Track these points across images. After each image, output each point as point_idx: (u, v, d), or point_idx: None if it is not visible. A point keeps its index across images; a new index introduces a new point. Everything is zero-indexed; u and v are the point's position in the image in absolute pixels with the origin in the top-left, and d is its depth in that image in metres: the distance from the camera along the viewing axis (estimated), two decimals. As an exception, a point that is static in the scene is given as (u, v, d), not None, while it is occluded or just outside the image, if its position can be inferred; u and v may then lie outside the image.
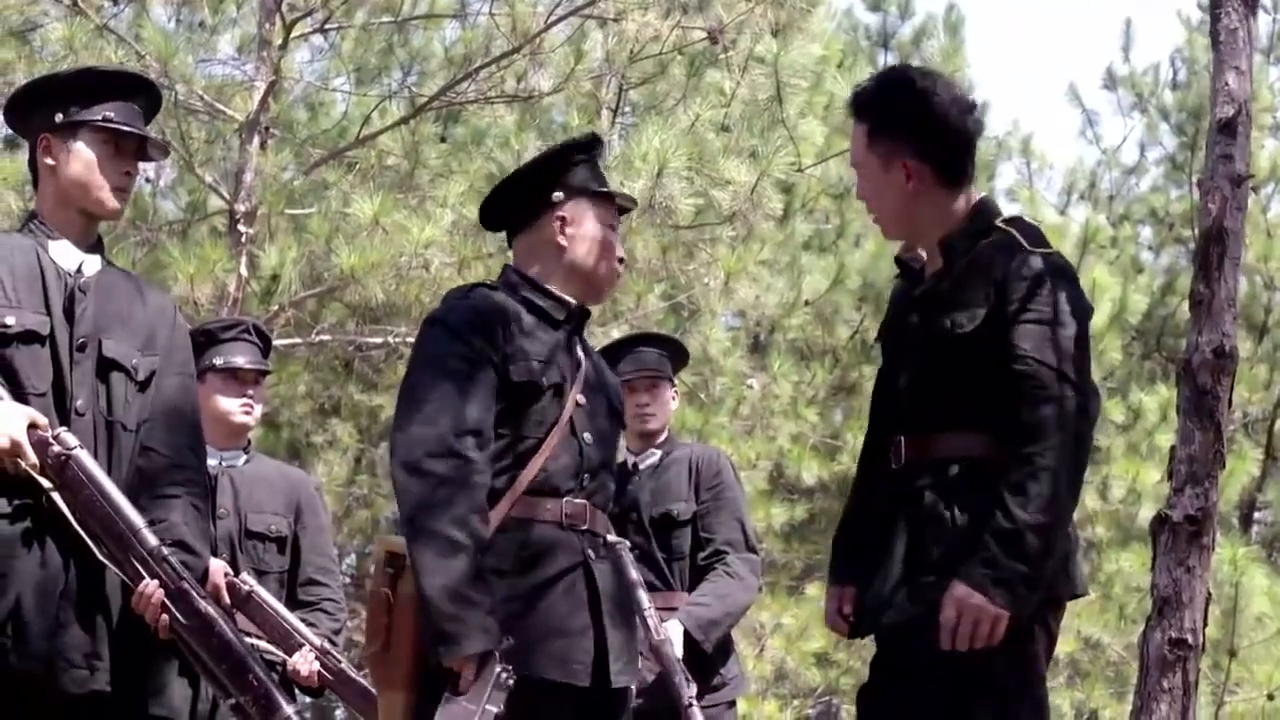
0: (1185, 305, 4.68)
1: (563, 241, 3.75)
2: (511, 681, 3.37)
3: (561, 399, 3.64)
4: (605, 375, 3.87)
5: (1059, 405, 3.42)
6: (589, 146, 3.83)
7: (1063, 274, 3.57)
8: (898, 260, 3.84)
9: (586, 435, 3.66)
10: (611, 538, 3.78)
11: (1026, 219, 3.70)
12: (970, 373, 3.53)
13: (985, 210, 3.67)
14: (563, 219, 3.75)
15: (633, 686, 3.72)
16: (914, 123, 3.62)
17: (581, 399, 3.68)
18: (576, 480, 3.63)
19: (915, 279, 3.76)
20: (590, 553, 3.61)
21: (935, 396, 3.58)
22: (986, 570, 3.38)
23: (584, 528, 3.62)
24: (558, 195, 3.75)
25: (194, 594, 3.67)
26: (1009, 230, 3.59)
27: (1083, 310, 3.56)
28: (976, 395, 3.52)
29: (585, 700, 3.56)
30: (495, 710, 3.35)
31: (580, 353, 3.75)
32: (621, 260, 3.82)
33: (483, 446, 3.50)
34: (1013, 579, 3.37)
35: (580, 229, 3.76)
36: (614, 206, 3.85)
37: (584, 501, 3.63)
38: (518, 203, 3.82)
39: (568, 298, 3.75)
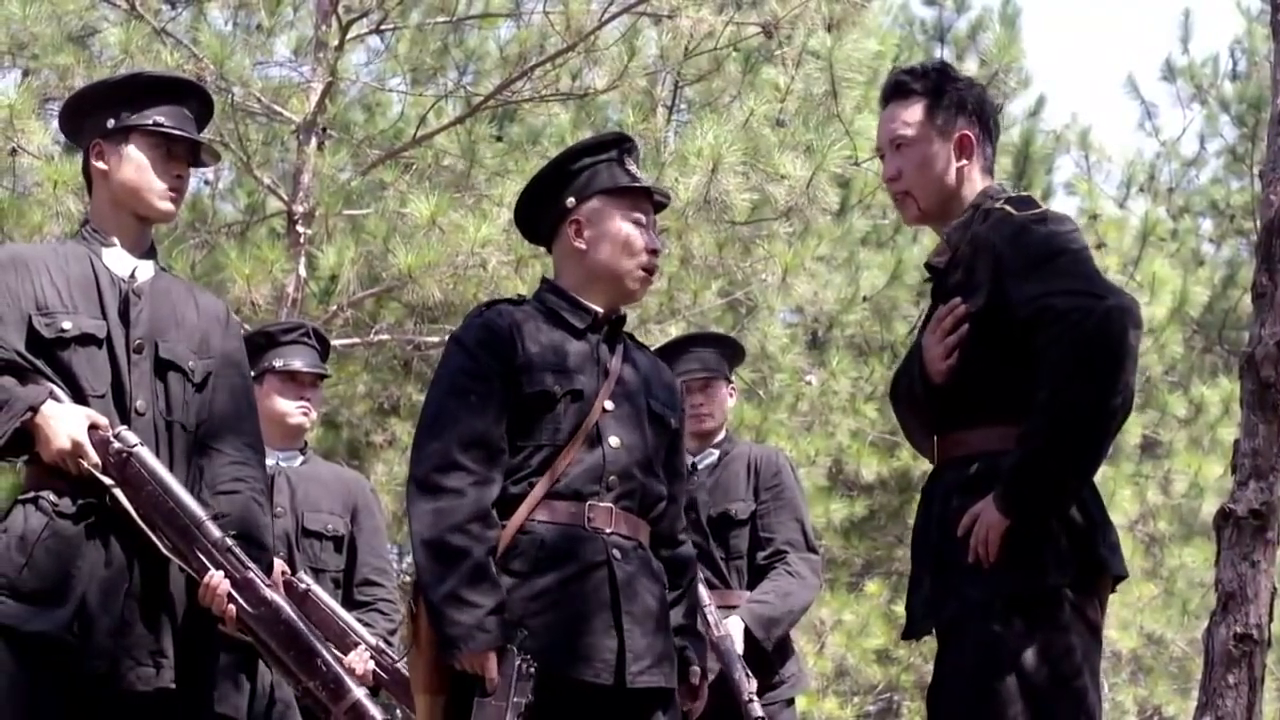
0: (1247, 298, 4.66)
1: (581, 246, 3.75)
2: (533, 670, 3.43)
3: (584, 406, 3.64)
4: (651, 380, 3.83)
5: (1081, 319, 3.33)
6: (596, 149, 3.80)
7: (1049, 220, 3.54)
8: (927, 265, 3.83)
9: (613, 440, 3.65)
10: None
11: (1021, 193, 3.72)
12: (990, 357, 3.50)
13: (985, 196, 3.67)
14: (577, 224, 3.75)
15: (670, 689, 3.67)
16: (971, 103, 3.72)
17: (610, 405, 3.68)
18: (600, 484, 3.63)
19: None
20: (615, 554, 3.60)
21: (959, 393, 3.57)
22: (999, 489, 3.42)
23: (609, 531, 3.62)
24: (569, 201, 3.76)
25: (259, 583, 3.69)
26: (1003, 207, 3.59)
27: (1078, 240, 3.51)
28: (999, 382, 3.49)
29: (609, 700, 3.55)
30: (524, 701, 3.41)
31: (616, 359, 3.74)
32: (655, 252, 3.78)
33: (491, 457, 3.57)
34: (1010, 492, 3.39)
35: (597, 230, 3.74)
36: (643, 200, 3.80)
37: (609, 505, 3.63)
38: (537, 218, 3.84)
39: (594, 305, 3.75)
